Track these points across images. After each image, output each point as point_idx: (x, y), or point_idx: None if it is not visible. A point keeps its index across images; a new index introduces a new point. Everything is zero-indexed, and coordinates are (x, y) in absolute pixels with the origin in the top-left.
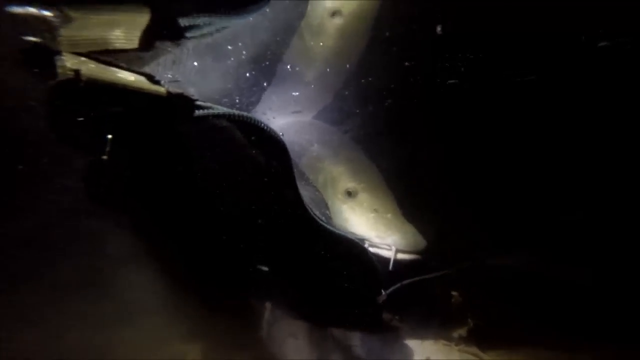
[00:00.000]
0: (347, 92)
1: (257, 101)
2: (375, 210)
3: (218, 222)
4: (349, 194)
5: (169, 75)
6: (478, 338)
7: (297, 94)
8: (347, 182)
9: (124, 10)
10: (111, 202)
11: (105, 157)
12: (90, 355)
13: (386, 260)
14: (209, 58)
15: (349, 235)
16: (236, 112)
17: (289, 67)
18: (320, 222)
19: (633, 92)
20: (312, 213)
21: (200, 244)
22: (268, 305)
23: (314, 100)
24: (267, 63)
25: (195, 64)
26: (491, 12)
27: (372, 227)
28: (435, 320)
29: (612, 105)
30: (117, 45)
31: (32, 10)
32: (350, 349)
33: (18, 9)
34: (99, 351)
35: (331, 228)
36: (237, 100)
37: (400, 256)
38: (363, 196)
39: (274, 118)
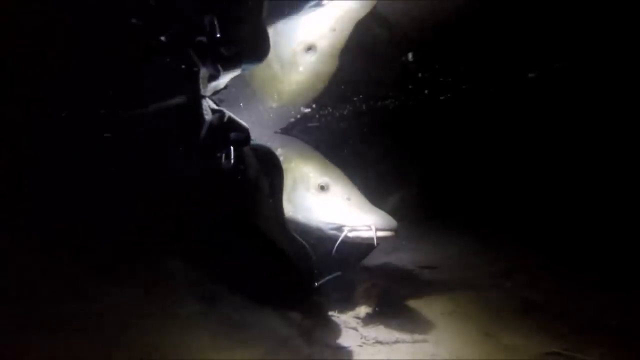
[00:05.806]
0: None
1: None
2: (348, 199)
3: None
4: (322, 187)
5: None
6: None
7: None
8: (318, 178)
9: None
10: None
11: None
12: None
13: (366, 240)
14: None
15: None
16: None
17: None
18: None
19: None
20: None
21: None
22: None
23: (274, 122)
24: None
25: None
26: None
27: (348, 212)
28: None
29: None
30: None
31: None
32: None
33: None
34: None
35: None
36: None
37: (380, 234)
38: (336, 188)
39: None
